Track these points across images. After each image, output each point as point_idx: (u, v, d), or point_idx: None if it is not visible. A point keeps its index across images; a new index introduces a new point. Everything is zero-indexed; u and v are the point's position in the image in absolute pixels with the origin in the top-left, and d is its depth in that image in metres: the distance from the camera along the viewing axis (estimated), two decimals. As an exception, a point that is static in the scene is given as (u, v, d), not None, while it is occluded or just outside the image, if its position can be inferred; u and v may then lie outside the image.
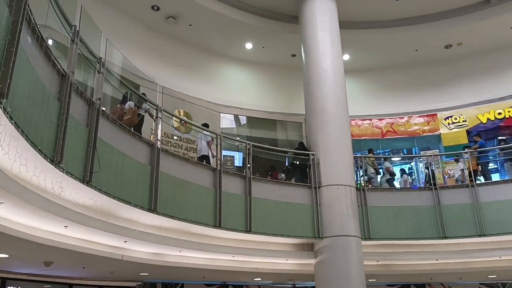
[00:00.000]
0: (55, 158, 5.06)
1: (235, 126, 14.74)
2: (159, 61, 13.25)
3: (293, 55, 14.71)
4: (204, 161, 9.35)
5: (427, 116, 14.78)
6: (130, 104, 8.23)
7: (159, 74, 12.80)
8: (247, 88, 15.09)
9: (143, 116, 8.44)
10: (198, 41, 13.68)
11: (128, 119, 7.81)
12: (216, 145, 9.17)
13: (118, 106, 7.93)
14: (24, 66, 4.38)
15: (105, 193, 6.09)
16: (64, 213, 5.66)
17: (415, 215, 10.25)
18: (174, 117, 10.45)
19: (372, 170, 11.53)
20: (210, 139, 9.69)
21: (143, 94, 8.94)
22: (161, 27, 12.97)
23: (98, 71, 6.41)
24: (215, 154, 9.36)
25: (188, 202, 7.99)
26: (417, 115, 14.85)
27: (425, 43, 14.16)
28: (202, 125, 10.16)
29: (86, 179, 5.69)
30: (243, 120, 14.95)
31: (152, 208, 7.06)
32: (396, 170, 12.75)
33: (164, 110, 8.18)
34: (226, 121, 14.02)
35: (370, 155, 12.56)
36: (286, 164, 11.46)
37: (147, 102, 8.25)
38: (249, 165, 9.55)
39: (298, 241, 9.80)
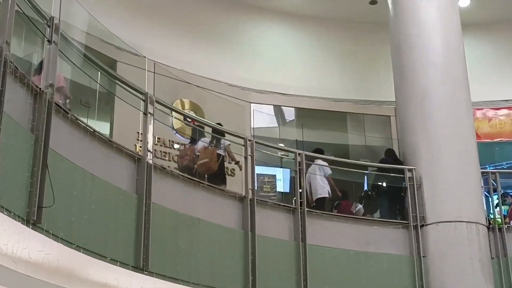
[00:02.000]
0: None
1: (277, 125, 14.72)
2: (149, 21, 13.44)
3: (373, 2, 14.59)
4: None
5: None
6: (203, 142, 9.17)
7: (149, 42, 12.98)
8: (296, 61, 15.07)
9: (223, 157, 9.29)
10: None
11: (204, 164, 8.89)
12: (245, 158, 9.16)
13: (187, 147, 8.81)
14: None
15: (63, 241, 6.12)
16: (-3, 274, 5.74)
17: None
18: (174, 113, 10.52)
19: (517, 195, 11.37)
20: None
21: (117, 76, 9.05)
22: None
23: (48, 40, 6.52)
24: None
25: (199, 253, 8.00)
26: None
27: None
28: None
29: (32, 219, 5.74)
30: (290, 114, 14.92)
31: (140, 265, 7.06)
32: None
33: (157, 101, 8.23)
34: (261, 117, 14.02)
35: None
36: (365, 188, 11.43)
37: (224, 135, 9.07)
38: (301, 191, 9.52)
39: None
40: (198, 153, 9.21)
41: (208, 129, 9.91)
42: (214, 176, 9.23)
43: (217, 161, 9.34)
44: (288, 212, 9.35)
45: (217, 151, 9.38)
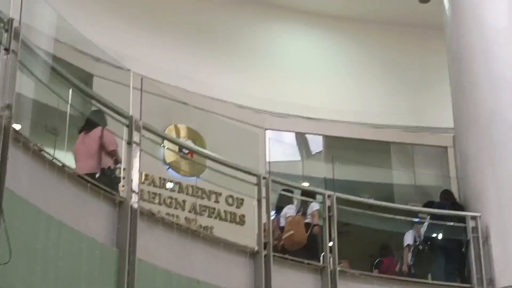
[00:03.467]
0: None
1: (300, 158, 14.72)
2: (135, 25, 13.56)
3: (424, 0, 14.68)
4: None
5: None
6: (289, 210, 9.85)
7: (135, 50, 13.08)
8: (325, 76, 15.13)
9: (313, 226, 9.91)
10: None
11: (289, 238, 9.72)
12: (258, 202, 9.17)
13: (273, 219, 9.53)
14: None
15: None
16: None
17: None
18: (167, 142, 10.58)
19: None
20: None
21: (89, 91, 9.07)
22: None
23: (6, 49, 6.59)
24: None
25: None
26: None
27: None
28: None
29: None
30: (317, 144, 14.92)
31: None
32: None
33: (145, 128, 8.29)
34: (280, 148, 14.05)
35: None
36: (414, 241, 11.30)
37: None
38: (331, 244, 9.55)
39: None
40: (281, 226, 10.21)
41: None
42: (304, 251, 9.92)
43: (306, 232, 10.12)
44: (315, 272, 9.33)
45: (306, 220, 10.19)
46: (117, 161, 8.54)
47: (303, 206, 10.55)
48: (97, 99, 8.14)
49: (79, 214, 7.13)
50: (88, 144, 8.58)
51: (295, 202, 10.77)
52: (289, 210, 10.62)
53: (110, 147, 8.55)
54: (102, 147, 8.58)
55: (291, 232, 10.04)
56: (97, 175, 8.13)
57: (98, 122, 8.62)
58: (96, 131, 8.57)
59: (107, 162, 8.47)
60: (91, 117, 8.75)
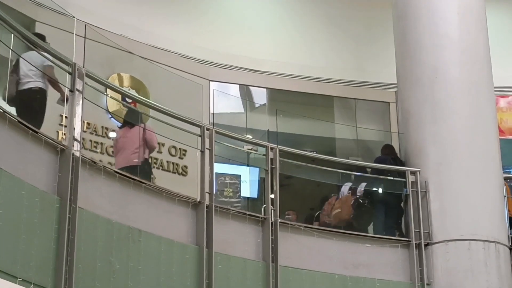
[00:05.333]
0: None
1: (243, 111, 14.71)
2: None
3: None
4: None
5: None
6: (345, 187, 10.42)
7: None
8: (270, 29, 15.08)
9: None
10: None
11: (337, 215, 10.20)
12: (201, 153, 9.18)
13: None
14: None
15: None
16: None
17: None
18: (110, 91, 10.47)
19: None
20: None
21: (40, 35, 9.12)
22: None
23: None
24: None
25: (139, 275, 8.00)
26: None
27: None
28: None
29: None
30: (261, 97, 14.93)
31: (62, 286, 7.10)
32: None
33: (88, 75, 8.18)
34: (224, 100, 14.03)
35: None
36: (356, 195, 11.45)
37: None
38: (273, 196, 9.59)
39: None
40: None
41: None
42: (350, 228, 10.39)
43: (352, 209, 10.61)
44: (256, 223, 9.39)
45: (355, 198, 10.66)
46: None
47: (355, 184, 10.90)
48: (38, 44, 8.00)
49: (20, 162, 7.06)
50: (130, 139, 9.46)
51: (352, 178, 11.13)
52: (345, 188, 11.04)
53: (154, 144, 9.94)
54: (145, 142, 9.77)
55: (338, 210, 10.48)
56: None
57: (136, 121, 9.73)
58: (138, 128, 9.51)
59: (146, 155, 9.73)
60: (127, 118, 10.07)
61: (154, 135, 9.87)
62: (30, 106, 9.02)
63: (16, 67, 9.07)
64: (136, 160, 9.60)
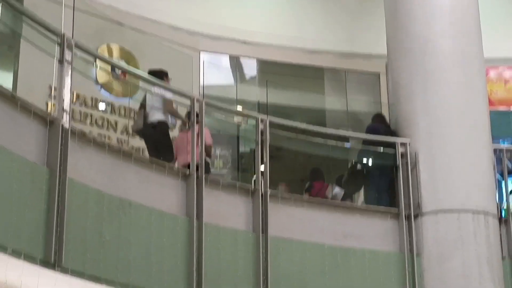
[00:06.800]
0: None
1: (234, 82, 14.69)
2: None
3: None
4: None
5: None
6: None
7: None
8: (260, 0, 15.04)
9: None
10: None
11: None
12: (191, 125, 9.17)
13: None
14: None
15: None
16: None
17: None
18: (99, 62, 10.42)
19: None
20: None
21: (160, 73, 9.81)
22: None
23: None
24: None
25: (129, 246, 8.02)
26: None
27: None
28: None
29: None
30: (251, 68, 14.90)
31: (51, 259, 7.06)
32: None
33: (77, 46, 8.14)
34: (214, 71, 13.99)
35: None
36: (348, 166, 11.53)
37: None
38: (263, 168, 9.60)
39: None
40: None
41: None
42: None
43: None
44: (246, 195, 9.39)
45: None
46: (209, 155, 10.00)
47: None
48: (27, 14, 7.94)
49: (9, 133, 7.04)
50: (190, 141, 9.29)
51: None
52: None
53: (207, 141, 9.75)
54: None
55: None
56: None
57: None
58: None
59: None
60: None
61: (208, 135, 9.96)
62: (155, 137, 9.82)
63: (144, 102, 9.89)
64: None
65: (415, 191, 10.12)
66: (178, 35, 13.60)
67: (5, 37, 8.96)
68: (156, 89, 9.78)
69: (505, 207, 10.88)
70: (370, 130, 11.09)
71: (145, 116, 9.93)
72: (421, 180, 10.16)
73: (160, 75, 10.13)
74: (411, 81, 10.68)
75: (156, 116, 9.86)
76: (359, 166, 11.17)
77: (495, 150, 10.80)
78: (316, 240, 9.64)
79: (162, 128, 9.89)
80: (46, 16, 8.15)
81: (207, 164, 9.78)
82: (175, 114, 9.98)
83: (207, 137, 9.70)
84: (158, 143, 9.82)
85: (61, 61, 7.83)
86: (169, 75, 10.56)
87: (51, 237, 7.12)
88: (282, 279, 9.24)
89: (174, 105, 9.85)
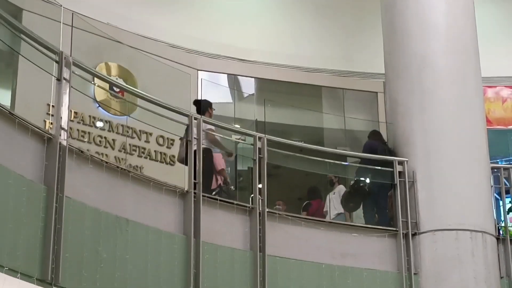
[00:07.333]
0: None
1: (231, 100, 14.69)
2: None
3: None
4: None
5: None
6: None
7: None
8: (259, 19, 15.06)
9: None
10: None
11: None
12: (189, 142, 9.20)
13: None
14: None
15: None
16: None
17: None
18: (97, 80, 10.43)
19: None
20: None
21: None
22: None
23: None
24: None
25: (126, 265, 8.01)
26: None
27: None
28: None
29: None
30: (249, 87, 14.91)
31: (48, 278, 7.01)
32: None
33: (75, 64, 8.16)
34: (212, 89, 13.99)
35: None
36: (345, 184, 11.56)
37: None
38: (260, 186, 9.58)
39: None
40: None
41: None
42: None
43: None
44: (244, 213, 9.40)
45: None
46: (225, 180, 10.44)
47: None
48: (26, 33, 7.96)
49: (7, 150, 7.03)
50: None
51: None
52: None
53: (218, 167, 10.23)
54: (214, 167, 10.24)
55: None
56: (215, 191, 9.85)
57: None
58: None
59: (219, 179, 10.24)
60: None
61: (219, 159, 10.37)
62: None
63: (187, 131, 9.83)
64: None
65: (413, 210, 10.13)
66: (176, 53, 13.63)
67: (3, 54, 8.97)
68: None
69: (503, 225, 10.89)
70: (367, 147, 11.11)
71: (190, 145, 10.05)
72: (419, 199, 10.17)
73: (205, 106, 10.68)
74: (408, 100, 10.71)
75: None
76: (357, 185, 11.17)
77: (492, 169, 10.82)
78: (313, 259, 9.64)
79: (206, 155, 9.99)
80: (44, 34, 8.16)
81: (228, 190, 10.31)
82: (216, 144, 10.28)
83: (219, 162, 10.13)
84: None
85: (59, 79, 7.83)
86: (167, 92, 10.60)
87: (48, 255, 7.09)
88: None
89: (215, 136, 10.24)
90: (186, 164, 9.70)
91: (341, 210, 11.41)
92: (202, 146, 9.77)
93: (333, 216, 11.35)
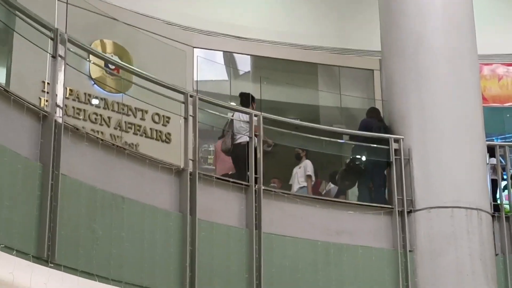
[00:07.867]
0: None
1: (227, 78, 14.66)
2: None
3: None
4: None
5: None
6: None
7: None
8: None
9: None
10: None
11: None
12: (185, 120, 9.16)
13: None
14: None
15: None
16: None
17: None
18: (92, 57, 10.39)
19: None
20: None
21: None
22: None
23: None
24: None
25: (122, 242, 8.02)
26: None
27: None
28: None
29: None
30: (245, 64, 14.88)
31: (44, 255, 7.04)
32: None
33: (71, 41, 8.12)
34: (208, 67, 13.96)
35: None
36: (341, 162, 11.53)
37: None
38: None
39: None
40: None
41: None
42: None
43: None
44: (239, 191, 9.40)
45: None
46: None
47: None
48: (20, 10, 7.91)
49: (2, 128, 7.03)
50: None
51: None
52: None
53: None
54: None
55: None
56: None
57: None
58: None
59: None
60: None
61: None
62: (242, 156, 10.20)
63: (231, 124, 10.93)
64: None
65: (408, 187, 10.16)
66: (172, 30, 13.56)
67: (-1, 30, 8.92)
68: (241, 116, 10.61)
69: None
70: (363, 124, 11.13)
71: (234, 138, 10.78)
72: (415, 177, 10.19)
73: (248, 98, 11.36)
74: (404, 78, 10.71)
75: (244, 137, 10.43)
76: (353, 162, 11.17)
77: (488, 147, 10.82)
78: (309, 236, 9.67)
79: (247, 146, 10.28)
80: (39, 11, 8.12)
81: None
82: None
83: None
84: (244, 159, 10.07)
85: (54, 56, 7.81)
86: (162, 70, 10.57)
87: (44, 233, 7.11)
88: (275, 275, 9.25)
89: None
90: (230, 155, 10.63)
91: (304, 184, 11.45)
92: (245, 138, 10.37)
93: (295, 190, 11.35)
